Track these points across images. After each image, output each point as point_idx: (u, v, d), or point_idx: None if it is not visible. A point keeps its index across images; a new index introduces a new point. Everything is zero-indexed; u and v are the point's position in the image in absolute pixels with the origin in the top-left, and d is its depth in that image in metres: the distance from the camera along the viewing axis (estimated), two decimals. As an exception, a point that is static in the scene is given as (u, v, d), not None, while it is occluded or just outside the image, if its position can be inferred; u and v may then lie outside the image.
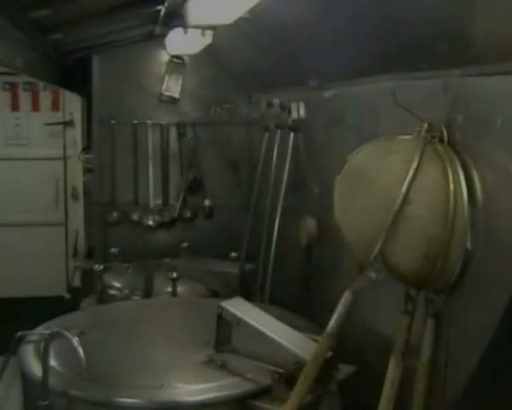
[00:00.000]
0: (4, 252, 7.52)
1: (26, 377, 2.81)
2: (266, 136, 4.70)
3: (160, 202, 5.89)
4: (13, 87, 7.52)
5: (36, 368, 2.72)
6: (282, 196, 4.25)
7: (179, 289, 4.55)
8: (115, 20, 4.55)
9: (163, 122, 5.81)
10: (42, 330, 3.10)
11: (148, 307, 4.02)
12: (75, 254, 7.13)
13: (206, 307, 3.45)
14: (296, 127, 4.10)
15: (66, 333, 2.52)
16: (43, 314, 3.51)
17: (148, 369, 2.81)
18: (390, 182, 2.07)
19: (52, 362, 2.70)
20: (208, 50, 5.01)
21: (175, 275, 4.53)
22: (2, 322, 4.46)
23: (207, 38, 4.42)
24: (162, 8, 4.09)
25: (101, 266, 4.90)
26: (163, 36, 5.11)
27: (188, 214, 5.91)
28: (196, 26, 3.94)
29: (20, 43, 3.81)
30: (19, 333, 3.05)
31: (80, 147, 7.05)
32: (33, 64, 4.38)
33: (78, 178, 7.32)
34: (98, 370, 2.66)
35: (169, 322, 3.59)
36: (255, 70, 4.99)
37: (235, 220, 5.50)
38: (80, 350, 2.43)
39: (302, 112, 4.02)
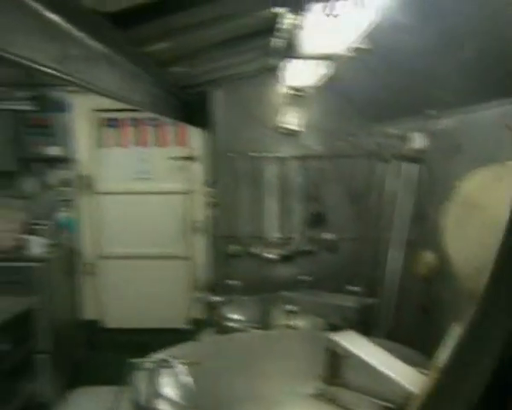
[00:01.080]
0: (130, 284, 7.91)
1: (136, 403, 2.97)
2: (383, 167, 4.71)
3: (280, 235, 5.99)
4: (139, 123, 7.96)
5: (146, 394, 2.86)
6: (401, 228, 4.23)
7: (297, 322, 4.62)
8: (231, 53, 4.74)
9: (283, 155, 5.92)
10: (156, 358, 3.26)
11: (264, 339, 4.11)
12: (198, 287, 7.37)
13: (322, 340, 3.49)
14: (415, 158, 4.08)
15: (173, 361, 2.66)
16: (165, 345, 3.64)
17: (257, 400, 2.89)
18: (501, 209, 2.05)
19: (165, 390, 2.84)
20: (329, 82, 5.10)
21: (293, 308, 4.60)
22: (127, 352, 4.68)
23: (323, 69, 4.51)
24: (275, 40, 4.22)
25: (221, 298, 5.06)
26: (279, 68, 5.24)
27: (308, 248, 5.97)
28: (309, 57, 4.04)
29: (140, 79, 4.05)
30: (131, 361, 3.22)
31: (203, 181, 7.32)
32: (153, 100, 4.62)
33: (201, 212, 7.59)
34: (208, 399, 2.76)
35: (282, 354, 3.66)
36: (374, 100, 5.03)
37: (356, 254, 5.52)
38: (187, 378, 2.55)
39: (421, 142, 4.00)
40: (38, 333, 6.16)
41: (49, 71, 2.49)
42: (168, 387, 2.92)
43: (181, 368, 2.66)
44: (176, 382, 2.89)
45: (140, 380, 3.12)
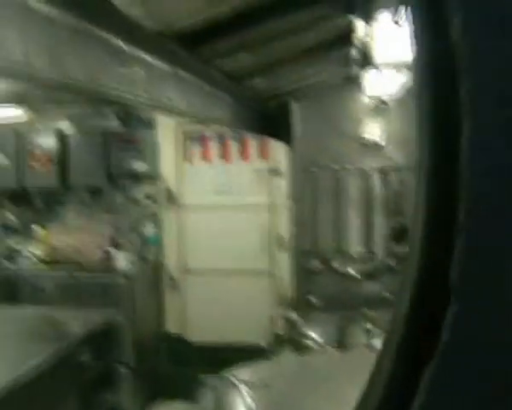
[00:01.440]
0: (213, 298, 8.01)
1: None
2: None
3: (362, 250, 5.93)
4: (223, 138, 8.09)
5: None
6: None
7: (376, 341, 4.55)
8: (310, 64, 4.76)
9: (366, 167, 5.87)
10: (224, 377, 3.32)
11: (340, 361, 4.09)
12: (280, 303, 7.40)
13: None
14: None
15: (239, 382, 2.70)
16: (245, 361, 3.68)
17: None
18: None
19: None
20: (410, 91, 5.03)
21: (372, 327, 4.56)
22: (208, 366, 4.79)
23: (402, 77, 4.47)
24: (353, 50, 4.23)
25: (300, 315, 5.07)
26: (360, 78, 5.22)
27: (391, 263, 5.87)
28: (387, 66, 4.02)
29: (213, 96, 4.14)
30: (203, 377, 3.29)
31: (287, 195, 7.36)
32: (231, 115, 4.70)
33: (284, 227, 7.61)
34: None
35: (359, 377, 3.61)
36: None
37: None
38: (248, 400, 2.59)
39: None
40: (121, 346, 6.35)
41: (117, 94, 2.61)
42: (234, 407, 2.96)
43: (246, 390, 2.71)
44: (240, 403, 2.93)
45: (207, 399, 3.19)
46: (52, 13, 1.98)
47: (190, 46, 3.19)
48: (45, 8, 1.93)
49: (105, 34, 2.40)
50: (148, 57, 2.89)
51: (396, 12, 3.18)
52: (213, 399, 3.16)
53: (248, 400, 2.65)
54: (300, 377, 3.64)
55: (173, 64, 3.20)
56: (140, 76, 2.81)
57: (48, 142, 7.82)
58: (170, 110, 3.32)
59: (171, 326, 8.11)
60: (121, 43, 2.57)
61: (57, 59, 2.06)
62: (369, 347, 4.49)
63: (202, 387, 3.30)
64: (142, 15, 2.53)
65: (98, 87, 2.40)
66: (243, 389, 2.74)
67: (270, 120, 6.27)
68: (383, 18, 3.41)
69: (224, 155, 8.20)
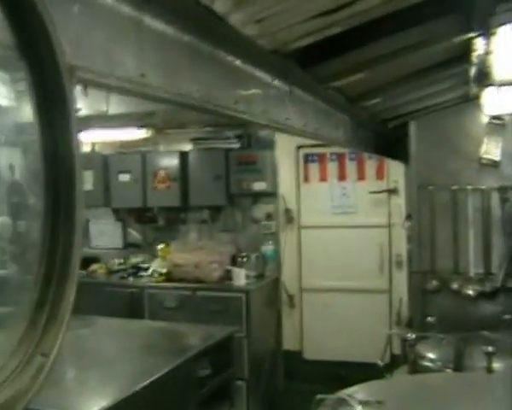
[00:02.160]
0: (329, 316, 7.92)
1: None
2: None
3: (481, 270, 5.68)
4: (340, 157, 8.01)
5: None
6: None
7: (496, 365, 4.29)
8: (427, 83, 4.61)
9: (484, 187, 5.63)
10: (338, 396, 3.20)
11: (458, 382, 3.88)
12: (398, 322, 7.20)
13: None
14: None
15: (353, 401, 2.59)
16: (360, 379, 3.57)
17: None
18: None
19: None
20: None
21: (491, 349, 4.30)
22: (323, 384, 4.69)
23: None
24: (471, 68, 4.04)
25: (414, 335, 4.87)
26: (478, 97, 5.01)
27: (511, 285, 5.58)
28: (505, 83, 3.82)
29: (329, 116, 4.06)
30: (318, 396, 3.19)
31: (404, 214, 7.17)
32: (347, 135, 4.61)
33: (402, 246, 7.43)
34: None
35: (477, 400, 3.42)
36: None
37: None
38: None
39: None
40: (239, 361, 6.35)
41: (233, 113, 2.58)
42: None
43: (353, 406, 2.59)
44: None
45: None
46: (167, 31, 1.97)
47: (305, 65, 3.12)
48: (160, 26, 1.92)
49: (221, 53, 2.37)
50: (264, 76, 2.84)
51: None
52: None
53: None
54: (415, 397, 3.48)
55: (289, 83, 3.14)
56: (256, 95, 2.77)
57: (171, 163, 8.00)
58: (286, 129, 3.27)
59: (288, 343, 8.07)
60: (237, 62, 2.53)
61: (172, 77, 2.04)
62: (489, 370, 4.24)
63: (317, 405, 3.20)
64: (256, 34, 2.48)
65: (214, 106, 2.37)
66: (357, 408, 2.61)
67: (387, 140, 6.13)
68: (503, 34, 3.23)
69: (342, 175, 8.12)
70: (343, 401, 2.98)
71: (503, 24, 3.06)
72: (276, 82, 2.99)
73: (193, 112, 6.09)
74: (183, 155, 8.01)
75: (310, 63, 3.15)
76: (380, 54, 3.52)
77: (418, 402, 3.37)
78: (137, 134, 7.31)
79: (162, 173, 7.94)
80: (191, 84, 2.17)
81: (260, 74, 2.80)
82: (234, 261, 7.66)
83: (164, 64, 1.99)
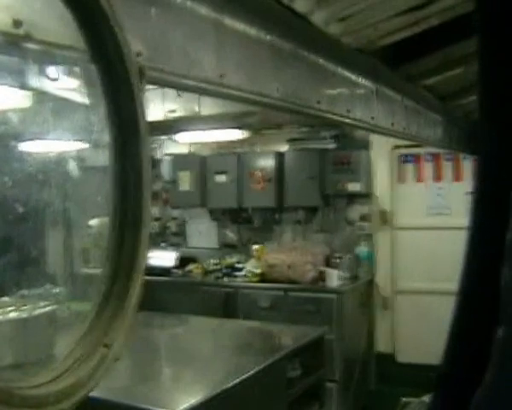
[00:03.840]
0: (424, 319, 7.70)
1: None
2: None
3: None
4: (435, 158, 7.80)
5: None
6: None
7: None
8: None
9: None
10: (422, 400, 3.13)
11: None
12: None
13: None
14: None
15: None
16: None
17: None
18: None
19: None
20: None
21: None
22: (415, 387, 4.58)
23: None
24: None
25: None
26: None
27: None
28: None
29: (420, 115, 3.97)
30: (403, 399, 3.13)
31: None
32: (442, 134, 4.50)
33: (499, 248, 7.15)
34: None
35: None
36: None
37: None
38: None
39: None
40: (330, 362, 6.29)
41: (317, 113, 2.56)
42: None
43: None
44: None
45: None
46: (248, 31, 1.97)
47: (393, 63, 3.06)
48: (241, 27, 1.93)
49: (303, 52, 2.36)
50: (349, 74, 2.81)
51: None
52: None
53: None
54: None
55: (376, 81, 3.09)
56: (340, 94, 2.74)
57: (267, 164, 8.03)
58: (372, 128, 3.21)
59: (381, 345, 7.94)
60: (321, 61, 2.51)
61: (253, 77, 2.04)
62: None
63: (402, 408, 3.14)
64: (340, 33, 2.45)
65: (296, 106, 2.36)
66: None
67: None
68: None
69: (438, 176, 7.91)
70: (426, 406, 2.89)
71: None
72: (362, 80, 2.95)
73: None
74: (279, 156, 8.03)
75: (398, 61, 3.09)
76: (471, 51, 3.41)
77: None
78: (234, 135, 7.38)
79: (258, 174, 7.98)
80: (272, 84, 2.16)
81: (345, 73, 2.77)
82: (327, 262, 7.61)
83: (244, 64, 2.00)
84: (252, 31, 2.00)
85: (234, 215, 8.53)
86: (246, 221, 8.48)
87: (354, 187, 7.88)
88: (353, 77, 2.83)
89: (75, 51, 1.31)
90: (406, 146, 7.71)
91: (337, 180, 7.90)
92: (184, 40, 1.70)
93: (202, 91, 1.89)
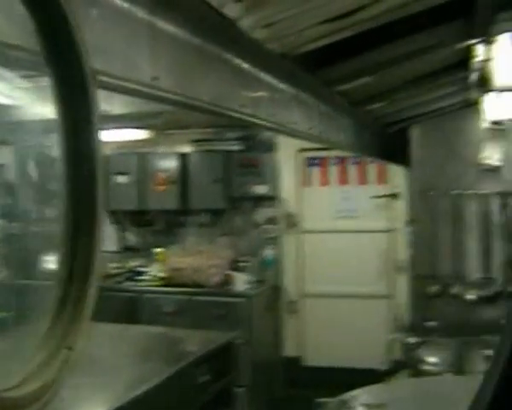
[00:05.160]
0: (331, 322, 7.95)
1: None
2: None
3: (481, 275, 5.79)
4: (341, 161, 8.05)
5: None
6: None
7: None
8: (429, 89, 4.69)
9: (484, 192, 5.73)
10: (340, 399, 3.27)
11: (458, 386, 3.95)
12: (399, 328, 7.22)
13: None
14: None
15: (354, 404, 2.66)
16: (361, 385, 3.63)
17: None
18: None
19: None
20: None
21: (491, 353, 4.38)
22: (324, 390, 4.73)
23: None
24: (472, 74, 4.13)
25: (416, 340, 4.96)
26: (479, 102, 5.10)
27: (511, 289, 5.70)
28: (505, 89, 3.90)
29: (333, 119, 4.13)
30: (319, 399, 3.26)
31: (405, 219, 7.22)
32: (350, 139, 4.68)
33: (402, 251, 7.47)
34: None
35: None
36: None
37: None
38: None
39: None
40: (239, 366, 6.38)
41: (240, 116, 2.64)
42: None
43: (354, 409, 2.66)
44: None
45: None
46: (178, 34, 2.04)
47: (312, 69, 3.20)
48: (172, 29, 1.99)
49: (229, 56, 2.44)
50: (271, 79, 2.91)
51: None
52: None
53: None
54: (417, 401, 3.56)
55: (296, 86, 3.21)
56: (263, 98, 2.84)
57: (170, 165, 8.05)
58: (293, 133, 3.33)
59: (289, 349, 8.12)
60: (245, 65, 2.60)
61: (183, 80, 2.11)
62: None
63: (319, 408, 3.27)
64: (265, 38, 2.55)
65: (221, 109, 2.43)
66: (354, 405, 2.68)
67: (389, 145, 6.21)
68: (504, 40, 3.33)
69: (343, 179, 8.17)
70: (345, 404, 3.04)
71: (504, 32, 3.15)
72: (283, 85, 3.06)
73: (195, 113, 6.15)
74: (184, 157, 8.06)
75: (316, 67, 3.23)
76: (385, 59, 3.60)
77: (420, 405, 3.45)
78: (138, 135, 7.35)
79: (162, 175, 7.98)
80: (201, 87, 2.23)
81: (267, 78, 2.86)
82: (234, 266, 7.71)
83: (175, 67, 2.06)
84: (182, 34, 2.06)
85: (136, 217, 8.49)
86: (148, 224, 8.46)
87: (260, 190, 8.03)
88: (275, 82, 2.94)
89: (24, 51, 1.34)
90: (312, 149, 7.92)
91: (243, 183, 8.02)
92: (123, 43, 1.75)
93: (139, 94, 1.93)
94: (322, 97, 3.70)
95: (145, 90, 1.87)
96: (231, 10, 2.20)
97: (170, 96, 2.01)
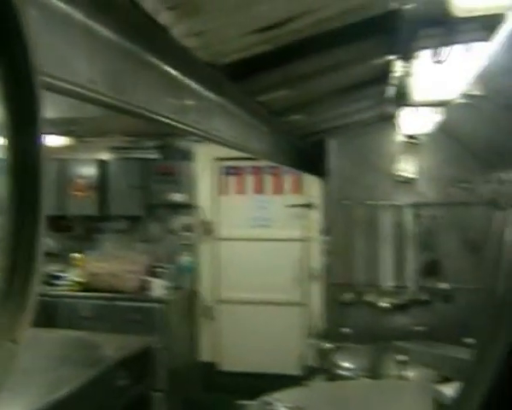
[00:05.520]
0: (247, 328, 8.02)
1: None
2: (501, 214, 4.59)
3: (395, 283, 5.94)
4: (257, 171, 8.16)
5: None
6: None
7: (409, 373, 4.53)
8: (346, 102, 4.81)
9: (398, 203, 5.90)
10: (261, 401, 3.31)
11: (372, 389, 4.07)
12: (314, 334, 7.35)
13: (432, 392, 3.43)
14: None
15: (276, 405, 2.70)
16: (277, 390, 3.67)
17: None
18: None
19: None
20: (443, 129, 5.06)
21: (404, 358, 4.53)
22: (240, 395, 4.75)
23: (436, 116, 4.49)
24: (389, 88, 4.27)
25: (333, 346, 5.05)
26: (395, 116, 5.26)
27: (423, 297, 5.87)
28: (422, 104, 4.05)
29: (255, 129, 4.19)
30: (238, 402, 3.29)
31: (319, 228, 7.37)
32: (269, 148, 4.75)
33: (316, 259, 7.61)
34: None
35: (390, 404, 3.60)
36: (491, 146, 4.94)
37: (472, 305, 5.36)
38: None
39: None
40: (156, 371, 6.35)
41: (168, 121, 2.65)
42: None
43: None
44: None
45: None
46: (113, 38, 2.04)
47: (237, 79, 3.24)
48: (107, 33, 1.99)
49: (160, 63, 2.46)
50: (198, 87, 2.94)
51: (437, 51, 3.20)
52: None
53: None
54: (334, 403, 3.64)
55: (221, 95, 3.25)
56: (190, 106, 2.86)
57: (89, 171, 7.96)
58: (218, 140, 3.36)
59: (205, 354, 8.13)
60: (174, 73, 2.62)
61: (117, 84, 2.11)
62: (401, 377, 4.48)
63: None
64: (195, 47, 2.58)
65: (152, 114, 2.45)
66: (278, 406, 2.73)
67: (306, 155, 6.32)
68: (422, 58, 3.45)
69: (259, 188, 8.26)
70: (265, 406, 3.08)
71: (423, 48, 3.27)
72: (209, 94, 3.09)
73: (114, 120, 6.08)
74: (103, 164, 8.00)
75: (240, 77, 3.27)
76: (304, 72, 3.69)
77: (336, 407, 3.53)
78: (58, 141, 7.24)
79: (81, 181, 7.88)
80: (133, 92, 2.24)
81: (195, 86, 2.89)
82: (151, 272, 7.68)
83: (110, 71, 2.06)
84: (118, 39, 2.06)
85: (54, 223, 8.32)
86: (67, 229, 8.32)
87: (177, 197, 8.04)
88: (202, 90, 2.96)
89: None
90: (229, 158, 7.99)
91: (161, 190, 8.03)
92: (59, 44, 1.74)
93: (74, 95, 1.92)
94: (245, 107, 3.75)
95: (82, 91, 1.87)
96: (164, 18, 2.21)
97: (105, 98, 2.01)
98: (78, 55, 1.85)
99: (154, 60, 2.39)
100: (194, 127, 2.92)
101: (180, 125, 2.77)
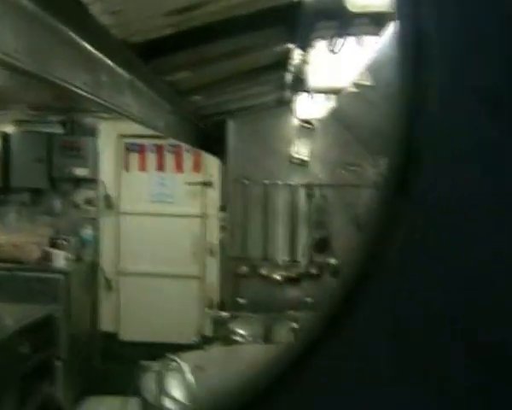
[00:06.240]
0: (146, 299, 8.05)
1: (144, 402, 3.13)
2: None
3: (287, 258, 6.15)
4: (159, 149, 8.17)
5: (153, 394, 3.02)
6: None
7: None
8: (247, 86, 4.95)
9: (292, 183, 6.10)
10: (164, 360, 3.42)
11: (264, 350, 4.25)
12: (210, 305, 7.49)
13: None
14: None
15: (179, 361, 2.82)
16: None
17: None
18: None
19: (173, 392, 2.99)
20: (335, 115, 5.28)
21: (295, 326, 4.74)
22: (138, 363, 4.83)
23: (331, 103, 4.70)
24: (288, 74, 4.43)
25: (229, 315, 5.20)
26: (292, 101, 5.44)
27: (314, 271, 6.10)
28: (316, 91, 4.23)
29: (161, 106, 4.26)
30: (142, 362, 3.37)
31: (217, 205, 7.51)
32: (173, 126, 4.83)
33: (214, 235, 7.74)
34: (210, 401, 2.92)
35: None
36: (378, 134, 5.20)
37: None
38: (189, 377, 2.70)
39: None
40: (57, 340, 6.32)
41: (82, 93, 2.70)
42: (174, 387, 3.07)
43: (186, 369, 2.82)
44: (181, 382, 3.04)
45: (148, 381, 3.28)
46: (38, 13, 2.08)
47: (147, 58, 3.31)
48: (32, 7, 2.03)
49: (78, 38, 2.50)
50: (111, 64, 2.99)
51: (332, 42, 3.38)
52: (153, 380, 3.25)
53: (189, 378, 2.76)
54: (228, 363, 3.78)
55: (131, 73, 3.31)
56: (103, 81, 2.91)
57: (-9, 143, 7.74)
58: (128, 116, 3.42)
59: (106, 325, 8.10)
60: (90, 48, 2.67)
61: (39, 56, 2.15)
62: (293, 343, 4.68)
63: (145, 371, 3.39)
64: (110, 24, 2.63)
65: (69, 85, 2.49)
66: (184, 368, 2.85)
67: (206, 135, 6.43)
68: (319, 47, 3.61)
69: (160, 166, 8.28)
70: (170, 365, 3.17)
71: (321, 38, 3.44)
72: (121, 71, 3.15)
73: (18, 92, 5.94)
74: (6, 137, 7.78)
75: (150, 56, 3.34)
76: (209, 55, 3.79)
77: (231, 367, 3.67)
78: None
79: (-18, 153, 7.65)
80: (53, 64, 2.29)
81: (109, 62, 2.94)
82: (53, 244, 7.57)
83: (32, 42, 2.10)
84: (42, 14, 2.11)
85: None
86: (-32, 201, 8.06)
87: (81, 172, 7.95)
88: (114, 67, 3.02)
89: None
90: (131, 136, 7.97)
91: (64, 164, 7.91)
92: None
93: (4, 65, 1.96)
94: (153, 85, 3.82)
95: (7, 60, 1.90)
96: (85, -5, 2.27)
97: (27, 68, 2.05)
98: (4, 27, 1.89)
99: (72, 35, 2.44)
100: (106, 101, 2.97)
101: (94, 98, 2.83)
